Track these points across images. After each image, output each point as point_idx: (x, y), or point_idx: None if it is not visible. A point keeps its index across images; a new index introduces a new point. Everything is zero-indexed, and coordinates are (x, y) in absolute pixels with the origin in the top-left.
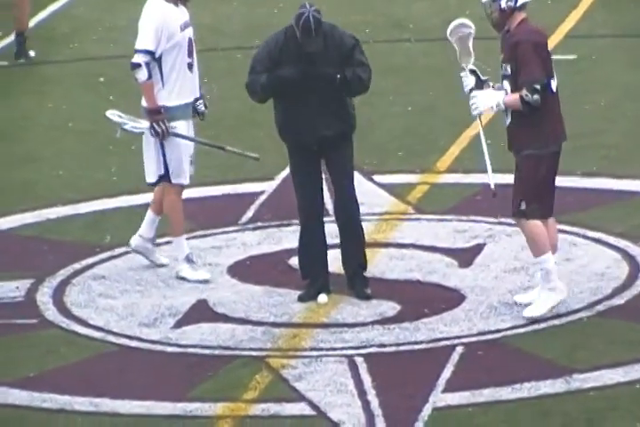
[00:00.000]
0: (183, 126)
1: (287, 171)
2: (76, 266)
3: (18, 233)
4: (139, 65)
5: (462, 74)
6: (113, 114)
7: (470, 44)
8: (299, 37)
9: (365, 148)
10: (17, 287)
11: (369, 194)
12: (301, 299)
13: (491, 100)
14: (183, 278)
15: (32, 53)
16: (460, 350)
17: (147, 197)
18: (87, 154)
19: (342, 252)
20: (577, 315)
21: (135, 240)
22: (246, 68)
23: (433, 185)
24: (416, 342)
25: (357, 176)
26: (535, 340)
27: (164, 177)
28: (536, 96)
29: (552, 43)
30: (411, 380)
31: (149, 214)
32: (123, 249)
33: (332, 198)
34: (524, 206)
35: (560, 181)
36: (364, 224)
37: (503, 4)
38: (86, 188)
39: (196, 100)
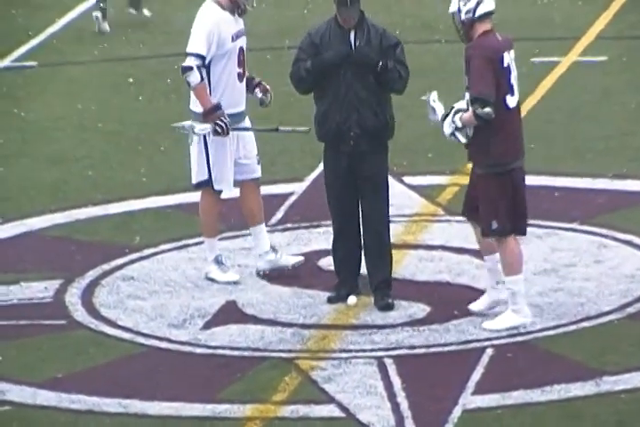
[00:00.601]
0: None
1: (316, 172)
2: (105, 267)
3: (47, 233)
4: (190, 68)
5: (430, 99)
6: (179, 123)
7: None
8: (335, 9)
9: (395, 149)
10: (46, 288)
11: (399, 195)
12: (330, 300)
13: (446, 129)
14: (212, 280)
15: (147, 13)
16: (489, 352)
17: (175, 198)
18: (116, 155)
19: (367, 268)
20: (607, 317)
21: (258, 262)
22: (276, 68)
23: (463, 186)
24: (446, 344)
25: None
26: (565, 342)
27: (206, 183)
28: (487, 109)
29: (582, 44)
30: (440, 382)
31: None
32: (152, 250)
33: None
34: (495, 226)
35: (590, 182)
36: (393, 225)
37: (462, 17)
38: (115, 188)
39: (255, 86)
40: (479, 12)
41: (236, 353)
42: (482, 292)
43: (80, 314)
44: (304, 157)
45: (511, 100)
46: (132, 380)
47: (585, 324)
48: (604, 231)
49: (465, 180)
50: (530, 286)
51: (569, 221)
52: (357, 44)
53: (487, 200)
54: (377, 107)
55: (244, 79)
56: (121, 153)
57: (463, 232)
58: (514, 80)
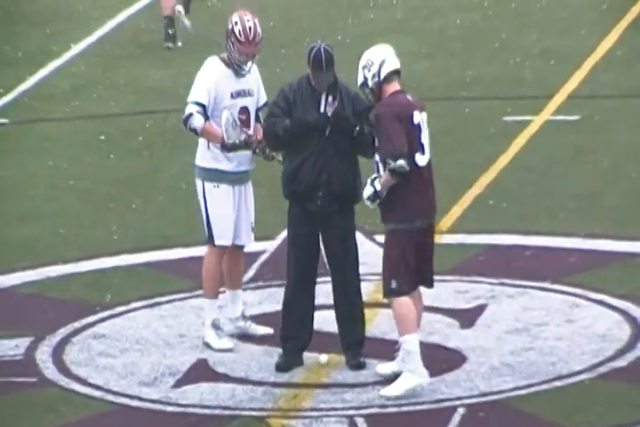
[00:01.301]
0: (228, 191)
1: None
2: (76, 324)
3: (18, 291)
4: (190, 115)
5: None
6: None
7: None
8: (310, 73)
9: (366, 207)
10: (16, 345)
11: (370, 253)
12: (280, 368)
13: (365, 193)
14: (207, 345)
15: (187, 23)
16: (461, 411)
17: (146, 256)
18: (88, 212)
19: (339, 327)
20: (579, 377)
21: (227, 325)
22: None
23: (435, 245)
24: (417, 403)
25: (359, 236)
26: (537, 401)
27: (208, 240)
28: (400, 161)
29: (555, 103)
30: None
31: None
32: (123, 308)
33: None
34: (394, 285)
35: (562, 242)
36: (365, 284)
37: (370, 84)
38: (86, 246)
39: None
40: (384, 72)
41: (207, 411)
42: (454, 351)
43: (51, 372)
44: (275, 215)
45: (421, 159)
46: None
47: (557, 383)
48: (576, 291)
49: (438, 238)
50: (501, 344)
51: (541, 280)
52: (328, 107)
53: (389, 259)
54: (347, 170)
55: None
56: (92, 210)
57: (434, 291)
58: (425, 139)
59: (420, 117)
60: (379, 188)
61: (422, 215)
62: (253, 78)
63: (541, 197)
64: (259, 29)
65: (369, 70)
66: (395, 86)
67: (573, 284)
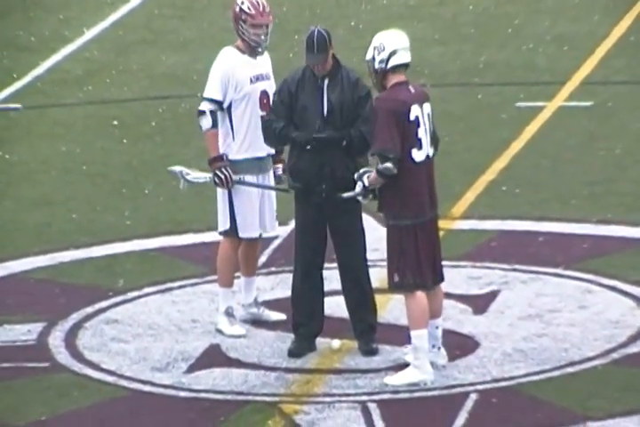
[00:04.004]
0: (252, 180)
1: None
2: (89, 310)
3: (31, 276)
4: (203, 112)
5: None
6: (175, 167)
7: None
8: (305, 53)
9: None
10: (29, 330)
11: (383, 240)
12: (292, 354)
13: (357, 188)
14: (220, 331)
15: None
16: (474, 397)
17: (159, 241)
18: (100, 197)
19: (350, 314)
20: (591, 363)
21: (241, 311)
22: None
23: (448, 231)
24: (430, 389)
25: (372, 222)
26: (549, 387)
27: (230, 232)
28: (387, 164)
29: (568, 89)
30: None
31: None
32: (135, 293)
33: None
34: (397, 278)
35: (575, 227)
36: (378, 270)
37: (376, 66)
38: (99, 231)
39: (275, 161)
40: (392, 63)
41: (219, 397)
42: (467, 337)
43: (63, 357)
44: (288, 201)
45: (418, 155)
46: (115, 423)
47: (569, 369)
48: (588, 277)
49: (451, 224)
50: (514, 330)
51: (554, 266)
52: (328, 93)
53: (391, 253)
54: (350, 161)
55: None
56: (105, 196)
57: (447, 277)
58: (422, 134)
59: (419, 111)
60: (367, 184)
61: (420, 211)
62: (267, 63)
63: (554, 183)
64: (264, 1)
65: (379, 53)
66: (399, 77)
67: (586, 270)
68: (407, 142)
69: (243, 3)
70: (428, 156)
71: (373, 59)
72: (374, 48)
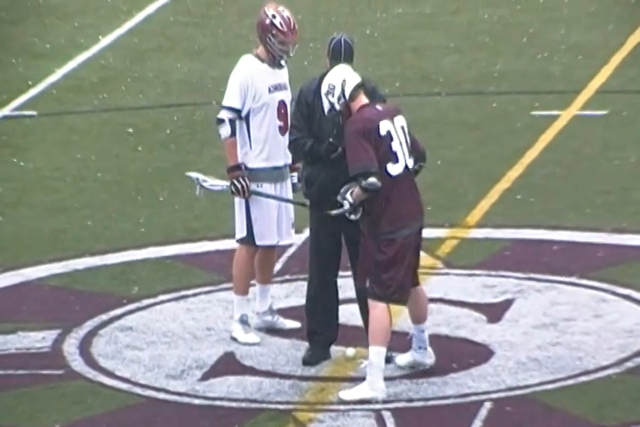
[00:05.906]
0: (269, 189)
1: None
2: (104, 317)
3: (46, 283)
4: (222, 121)
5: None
6: (192, 173)
7: None
8: (329, 64)
9: None
10: (43, 338)
11: None
12: (307, 362)
13: (345, 206)
14: (234, 339)
15: None
16: (488, 405)
17: (174, 249)
18: (115, 205)
19: (364, 323)
20: (606, 371)
21: (255, 319)
22: None
23: (462, 240)
24: (444, 397)
25: None
26: (564, 396)
27: (247, 239)
28: (370, 179)
29: (583, 98)
30: None
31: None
32: (150, 300)
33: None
34: (367, 285)
35: (589, 236)
36: None
37: (338, 107)
38: (114, 239)
39: (290, 169)
40: (348, 91)
41: (233, 405)
42: (481, 345)
43: (78, 364)
44: (302, 209)
45: (394, 168)
46: None
47: (584, 378)
48: (603, 285)
49: (466, 233)
50: (529, 339)
51: (568, 274)
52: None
53: (366, 258)
54: None
55: (287, 133)
56: (120, 203)
57: (462, 285)
58: (397, 147)
59: (389, 126)
60: (351, 201)
61: (402, 225)
62: (284, 73)
63: (569, 192)
64: (293, 18)
65: (333, 95)
66: (360, 101)
67: (601, 279)
68: (381, 158)
69: (275, 17)
70: (406, 167)
71: (332, 104)
72: (326, 94)
